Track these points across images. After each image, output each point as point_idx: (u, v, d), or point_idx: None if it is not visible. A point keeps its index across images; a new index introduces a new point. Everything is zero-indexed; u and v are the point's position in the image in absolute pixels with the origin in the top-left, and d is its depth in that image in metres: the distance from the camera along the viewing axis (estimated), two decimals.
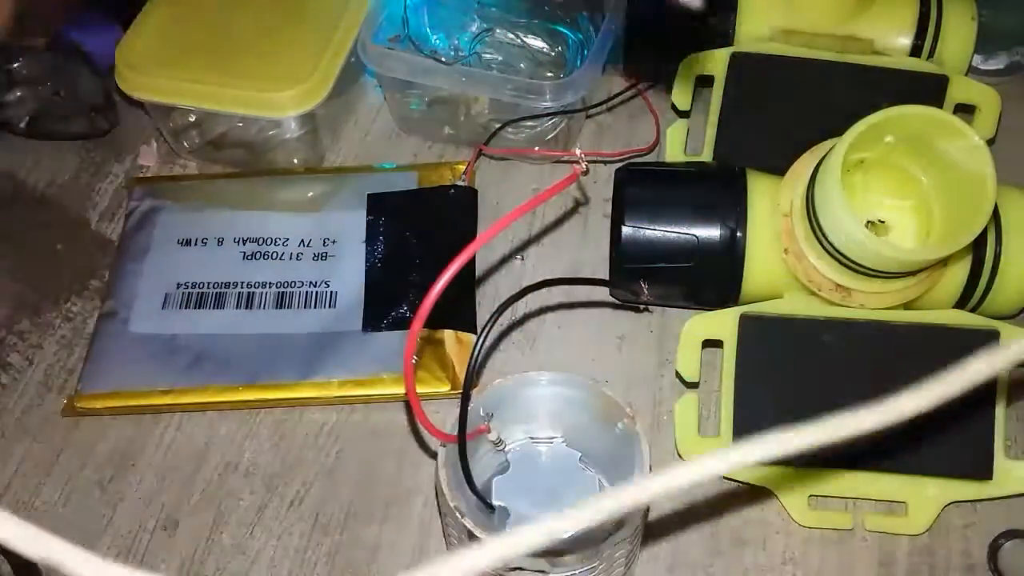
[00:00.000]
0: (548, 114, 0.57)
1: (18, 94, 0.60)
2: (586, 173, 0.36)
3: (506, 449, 0.42)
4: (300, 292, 0.52)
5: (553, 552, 0.35)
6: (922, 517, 0.45)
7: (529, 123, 0.58)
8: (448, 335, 0.51)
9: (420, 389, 0.48)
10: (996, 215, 0.46)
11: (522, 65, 0.58)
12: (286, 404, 0.50)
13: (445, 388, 0.49)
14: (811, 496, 0.46)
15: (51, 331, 0.54)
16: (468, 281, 0.53)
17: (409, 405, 0.42)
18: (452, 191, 0.56)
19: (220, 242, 0.54)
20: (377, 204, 0.56)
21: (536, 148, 0.59)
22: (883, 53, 0.54)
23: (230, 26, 0.58)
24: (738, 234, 0.46)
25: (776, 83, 0.53)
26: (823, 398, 0.45)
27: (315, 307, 0.52)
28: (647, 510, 0.45)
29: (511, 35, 0.58)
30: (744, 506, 0.46)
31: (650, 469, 0.38)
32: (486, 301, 0.54)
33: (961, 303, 0.47)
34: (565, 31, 0.59)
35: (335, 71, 0.56)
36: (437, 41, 0.59)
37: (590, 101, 0.59)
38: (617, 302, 0.53)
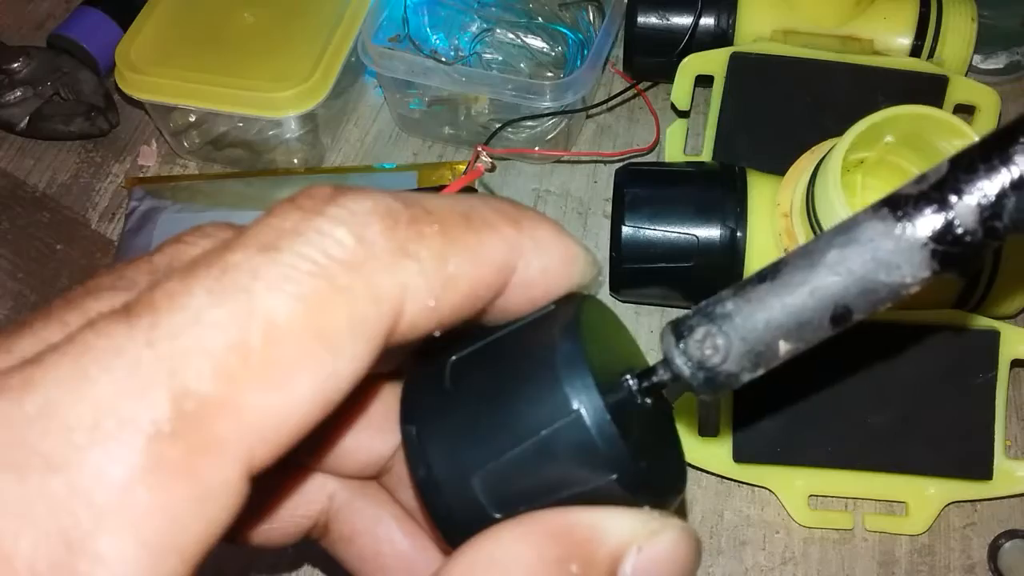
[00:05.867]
0: (548, 114, 0.57)
1: (18, 94, 0.60)
2: (492, 170, 0.37)
3: None
4: None
5: None
6: (922, 517, 0.45)
7: (529, 123, 0.58)
8: None
9: None
10: None
11: (522, 65, 0.58)
12: None
13: None
14: (811, 496, 0.46)
15: None
16: None
17: None
18: None
19: None
20: None
21: (536, 148, 0.59)
22: (883, 53, 0.54)
23: (230, 26, 0.58)
24: (738, 234, 0.46)
25: (776, 83, 0.53)
26: (823, 398, 0.45)
27: None
28: None
29: (511, 35, 0.58)
30: (744, 506, 0.47)
31: None
32: None
33: (961, 303, 0.47)
34: (565, 31, 0.59)
35: (335, 71, 0.56)
36: (437, 41, 0.59)
37: (590, 101, 0.59)
38: (618, 301, 0.53)
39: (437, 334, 0.18)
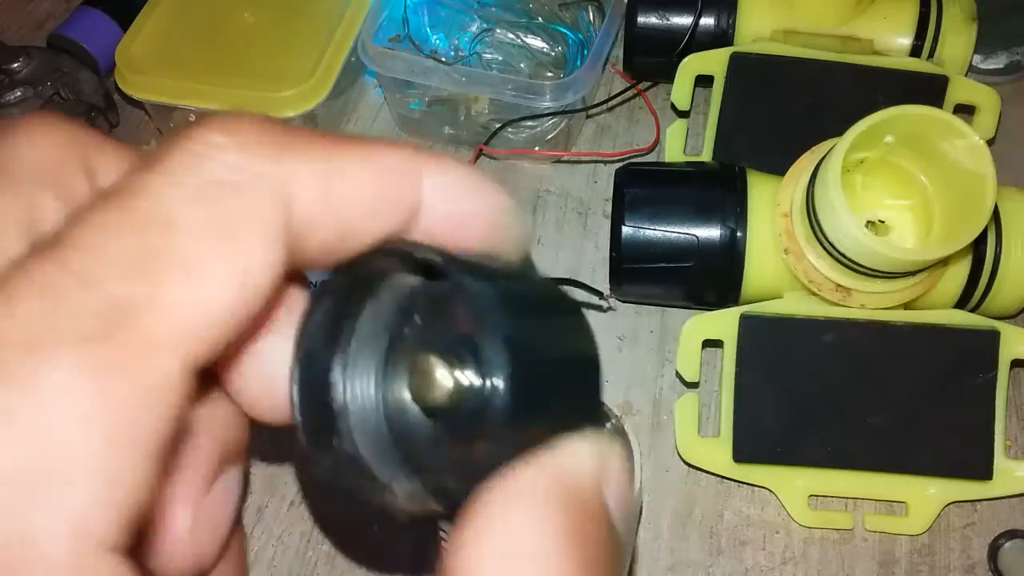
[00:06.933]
0: (548, 114, 0.57)
1: (18, 94, 0.60)
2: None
3: None
4: None
5: None
6: (922, 517, 0.45)
7: (529, 123, 0.58)
8: None
9: None
10: (996, 215, 0.46)
11: (522, 65, 0.58)
12: None
13: None
14: (811, 496, 0.46)
15: None
16: None
17: None
18: None
19: None
20: None
21: (536, 148, 0.59)
22: (883, 53, 0.54)
23: (230, 26, 0.58)
24: (738, 234, 0.46)
25: (776, 83, 0.53)
26: (823, 398, 0.45)
27: None
28: (640, 511, 0.45)
29: (511, 35, 0.58)
30: (744, 506, 0.47)
31: (640, 468, 0.38)
32: None
33: (961, 303, 0.47)
34: (565, 31, 0.59)
35: (335, 71, 0.56)
36: (437, 41, 0.59)
37: (590, 101, 0.59)
38: (619, 301, 0.53)
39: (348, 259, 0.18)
